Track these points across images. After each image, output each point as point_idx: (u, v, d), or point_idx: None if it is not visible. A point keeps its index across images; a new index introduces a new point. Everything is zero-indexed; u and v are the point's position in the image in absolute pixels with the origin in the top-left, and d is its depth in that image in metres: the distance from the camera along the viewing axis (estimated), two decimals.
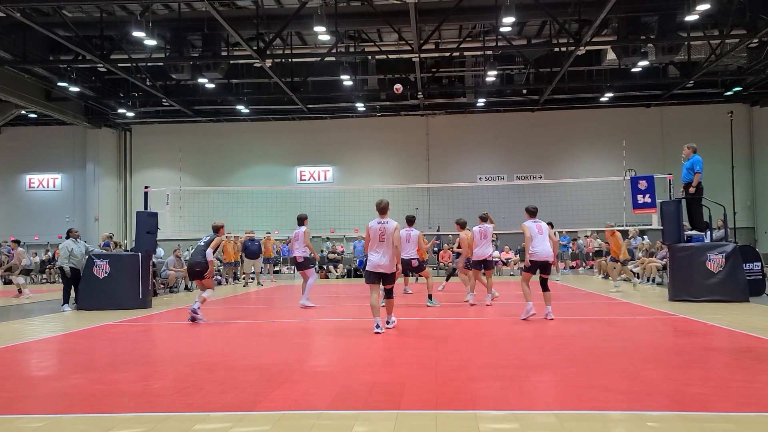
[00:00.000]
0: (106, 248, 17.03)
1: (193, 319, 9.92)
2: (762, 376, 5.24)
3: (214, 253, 10.33)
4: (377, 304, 8.25)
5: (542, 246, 9.32)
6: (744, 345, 6.83)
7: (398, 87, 18.89)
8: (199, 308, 9.94)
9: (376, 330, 8.08)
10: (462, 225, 13.12)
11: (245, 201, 25.69)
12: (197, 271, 10.29)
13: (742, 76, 24.79)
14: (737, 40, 19.66)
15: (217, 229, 10.50)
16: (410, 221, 12.64)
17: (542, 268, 9.49)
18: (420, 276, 15.76)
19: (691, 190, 12.24)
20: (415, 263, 12.28)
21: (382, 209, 8.44)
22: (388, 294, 8.47)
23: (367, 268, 8.37)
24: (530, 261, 9.44)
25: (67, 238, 13.05)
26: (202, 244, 10.36)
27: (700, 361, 6.00)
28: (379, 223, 8.31)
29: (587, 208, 20.72)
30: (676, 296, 11.83)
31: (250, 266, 20.53)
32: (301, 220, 12.78)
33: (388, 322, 8.55)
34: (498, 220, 24.03)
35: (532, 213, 9.82)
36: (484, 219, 12.31)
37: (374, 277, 8.30)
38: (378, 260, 8.23)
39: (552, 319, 9.22)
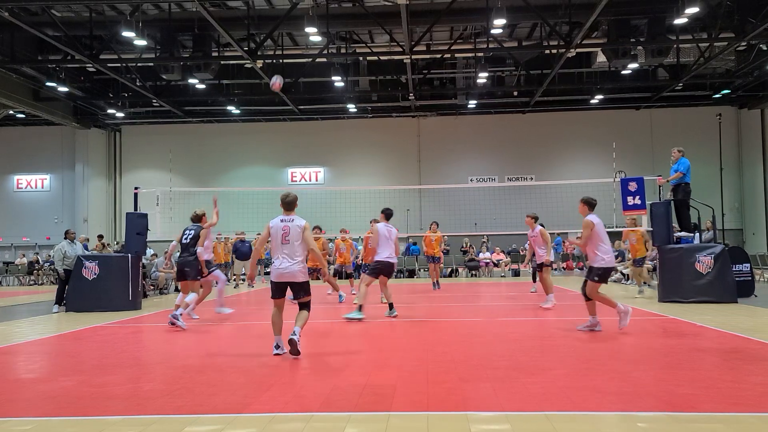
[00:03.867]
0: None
1: None
2: (750, 377, 5.28)
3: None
4: (278, 320, 6.71)
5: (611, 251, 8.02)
6: (732, 346, 6.88)
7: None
8: None
9: (276, 351, 6.61)
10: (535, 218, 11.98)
11: (236, 202, 25.56)
12: None
13: (731, 79, 25.04)
14: (725, 43, 19.85)
15: None
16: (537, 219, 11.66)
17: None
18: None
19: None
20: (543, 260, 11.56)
21: (288, 204, 6.89)
22: (303, 308, 6.74)
23: (271, 279, 6.75)
24: (601, 269, 7.82)
25: (65, 239, 12.98)
26: None
27: (690, 362, 6.04)
28: (282, 221, 6.75)
29: (577, 210, 21.49)
30: (665, 297, 11.90)
31: (241, 267, 20.49)
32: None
33: (294, 333, 6.46)
34: (489, 222, 24.24)
35: (592, 205, 8.16)
36: (388, 216, 10.36)
37: (278, 290, 6.72)
38: (282, 267, 6.61)
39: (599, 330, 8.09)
